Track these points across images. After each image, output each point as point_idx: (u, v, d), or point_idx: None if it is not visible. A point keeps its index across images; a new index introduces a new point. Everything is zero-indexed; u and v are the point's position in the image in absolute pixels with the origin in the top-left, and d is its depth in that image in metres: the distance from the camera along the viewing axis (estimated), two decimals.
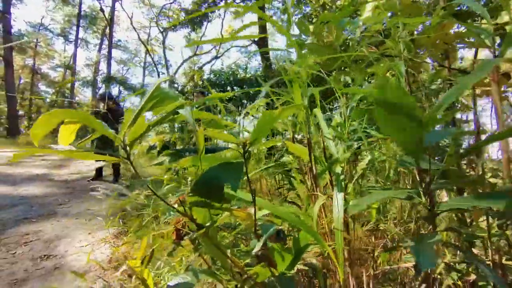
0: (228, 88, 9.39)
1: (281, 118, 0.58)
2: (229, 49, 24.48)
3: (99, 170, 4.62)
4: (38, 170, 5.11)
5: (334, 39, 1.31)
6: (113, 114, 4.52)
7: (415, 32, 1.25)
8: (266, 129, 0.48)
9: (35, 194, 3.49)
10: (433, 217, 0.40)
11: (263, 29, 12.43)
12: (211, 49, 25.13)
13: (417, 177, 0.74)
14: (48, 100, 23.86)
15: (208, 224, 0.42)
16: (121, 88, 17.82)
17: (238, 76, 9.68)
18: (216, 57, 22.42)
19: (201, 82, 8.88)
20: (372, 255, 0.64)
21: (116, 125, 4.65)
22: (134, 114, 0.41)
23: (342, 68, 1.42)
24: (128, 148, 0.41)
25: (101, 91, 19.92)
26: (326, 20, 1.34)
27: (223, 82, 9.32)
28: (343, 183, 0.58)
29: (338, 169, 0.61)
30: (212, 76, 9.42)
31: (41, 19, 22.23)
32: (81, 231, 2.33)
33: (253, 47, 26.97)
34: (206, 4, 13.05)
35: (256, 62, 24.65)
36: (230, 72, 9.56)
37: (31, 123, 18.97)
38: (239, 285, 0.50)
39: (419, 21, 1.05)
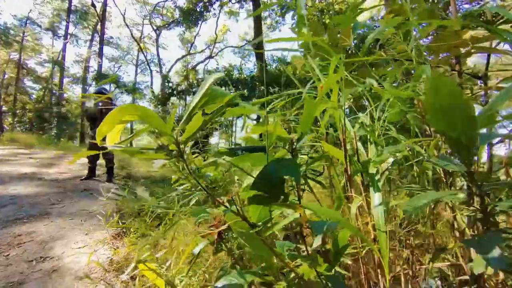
0: (223, 88, 9.34)
1: (319, 110, 0.58)
2: (223, 49, 24.41)
3: (92, 169, 4.49)
4: (26, 168, 4.91)
5: (349, 42, 1.32)
6: (107, 112, 4.41)
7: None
8: (309, 122, 0.47)
9: (25, 193, 3.35)
10: (488, 217, 0.40)
11: (258, 29, 12.48)
12: (205, 49, 24.99)
13: (444, 179, 0.75)
14: (34, 96, 23.05)
15: (263, 221, 0.41)
16: (112, 86, 17.44)
17: (233, 76, 9.65)
18: (210, 57, 22.30)
19: (196, 81, 8.80)
20: (410, 255, 0.64)
21: None
22: (188, 110, 0.39)
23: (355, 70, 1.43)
24: (182, 145, 0.39)
25: (91, 88, 19.35)
26: (338, 22, 1.35)
27: (218, 82, 9.26)
28: (379, 184, 0.58)
29: (373, 170, 0.61)
30: (207, 75, 9.36)
31: (28, 12, 21.47)
32: (77, 232, 2.25)
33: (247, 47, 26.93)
34: (201, 3, 12.98)
35: (250, 63, 24.69)
36: (225, 73, 9.53)
37: (15, 119, 18.27)
38: (282, 285, 0.49)
39: (437, 24, 1.08)
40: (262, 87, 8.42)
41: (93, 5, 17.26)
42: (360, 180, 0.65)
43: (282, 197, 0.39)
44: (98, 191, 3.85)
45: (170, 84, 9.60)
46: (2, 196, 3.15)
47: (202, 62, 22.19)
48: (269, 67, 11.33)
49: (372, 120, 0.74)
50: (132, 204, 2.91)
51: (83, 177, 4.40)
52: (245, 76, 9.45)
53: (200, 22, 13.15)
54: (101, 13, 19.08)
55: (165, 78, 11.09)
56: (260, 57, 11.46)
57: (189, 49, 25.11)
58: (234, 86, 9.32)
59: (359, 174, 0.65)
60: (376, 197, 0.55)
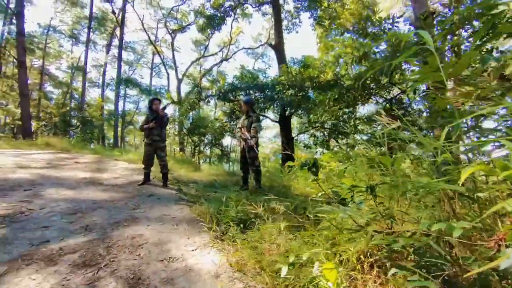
0: (251, 92, 9.53)
1: None
2: (236, 52, 24.63)
3: (147, 175, 4.75)
4: (81, 173, 5.21)
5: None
6: (162, 120, 4.67)
7: None
8: None
9: (100, 198, 3.61)
10: None
11: (278, 32, 12.64)
12: (219, 51, 25.30)
13: None
14: (53, 101, 23.88)
15: None
16: (133, 89, 17.92)
17: (260, 80, 9.85)
18: (225, 59, 22.57)
19: (226, 86, 9.06)
20: None
21: (163, 130, 4.79)
22: None
23: None
24: None
25: (111, 92, 19.78)
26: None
27: (245, 86, 9.46)
28: None
29: None
30: (235, 80, 9.58)
31: (50, 20, 22.25)
32: (178, 236, 2.46)
33: (260, 49, 27.04)
34: (223, 8, 13.23)
35: (263, 64, 24.83)
36: (252, 77, 9.72)
37: (41, 124, 18.95)
38: None
39: None
40: (290, 91, 8.57)
41: (113, 12, 17.78)
42: None
43: None
44: (162, 196, 4.09)
45: (197, 89, 9.85)
46: (85, 201, 3.42)
47: (216, 64, 22.48)
48: (289, 70, 11.43)
49: None
50: (208, 208, 3.12)
51: (140, 182, 4.66)
52: (271, 80, 9.61)
53: (221, 27, 13.44)
54: (120, 18, 19.60)
55: (181, 80, 11.29)
56: (282, 59, 11.62)
57: (203, 51, 25.44)
58: (260, 90, 9.49)
59: None
60: None
